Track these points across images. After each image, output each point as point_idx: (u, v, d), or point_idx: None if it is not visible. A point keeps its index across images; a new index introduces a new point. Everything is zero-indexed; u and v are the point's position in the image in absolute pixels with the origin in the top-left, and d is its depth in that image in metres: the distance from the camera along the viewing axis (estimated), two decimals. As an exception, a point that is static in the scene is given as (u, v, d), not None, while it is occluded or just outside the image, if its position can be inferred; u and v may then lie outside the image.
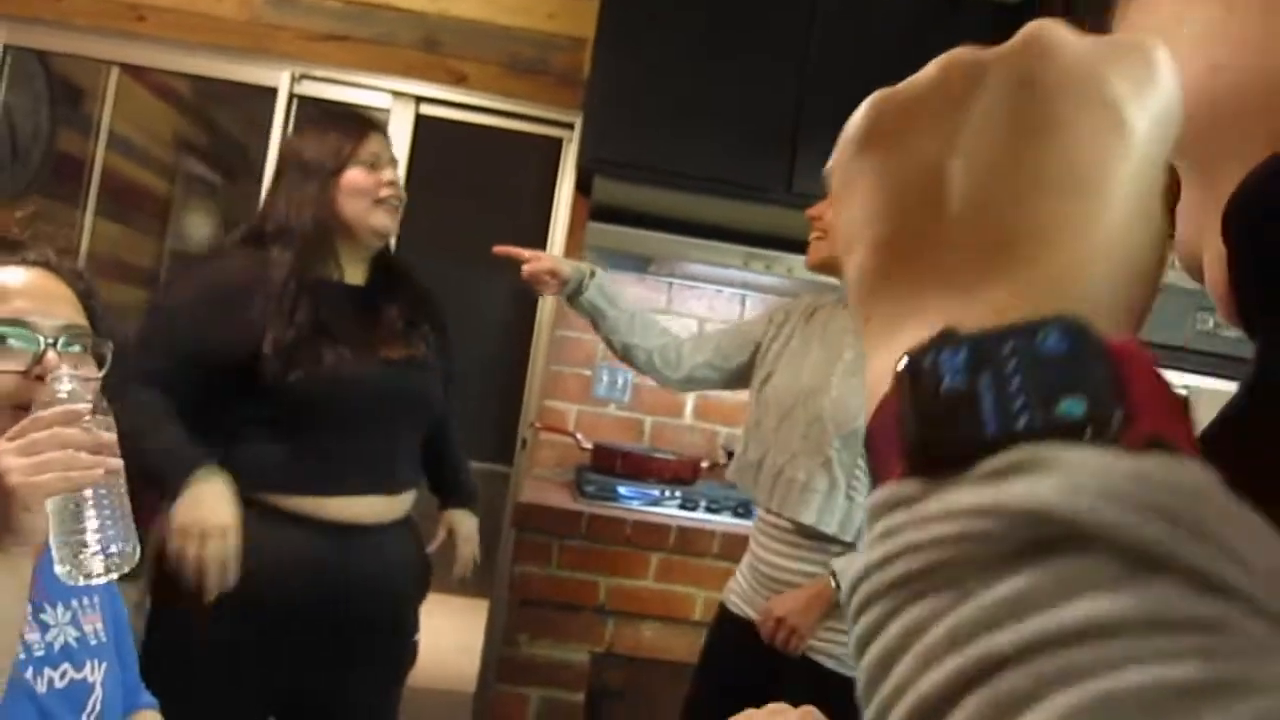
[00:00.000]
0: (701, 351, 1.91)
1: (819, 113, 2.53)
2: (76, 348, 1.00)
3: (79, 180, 3.36)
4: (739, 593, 1.73)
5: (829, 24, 2.55)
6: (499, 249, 1.89)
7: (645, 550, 2.27)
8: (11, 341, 0.95)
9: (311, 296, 1.58)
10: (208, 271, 1.71)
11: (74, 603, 1.04)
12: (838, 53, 2.55)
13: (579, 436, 2.65)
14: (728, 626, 1.73)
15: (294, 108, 2.91)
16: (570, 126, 2.87)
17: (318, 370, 1.54)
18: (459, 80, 2.89)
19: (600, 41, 2.54)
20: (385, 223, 1.71)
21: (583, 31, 2.80)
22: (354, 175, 1.67)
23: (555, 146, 2.98)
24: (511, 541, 2.40)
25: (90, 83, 3.37)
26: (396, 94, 2.91)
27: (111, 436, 0.92)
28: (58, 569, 0.87)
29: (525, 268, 1.86)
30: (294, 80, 2.89)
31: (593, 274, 1.87)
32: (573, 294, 1.87)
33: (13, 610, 0.87)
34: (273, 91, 2.89)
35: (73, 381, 0.93)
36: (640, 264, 2.71)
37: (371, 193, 1.68)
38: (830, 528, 1.57)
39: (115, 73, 3.32)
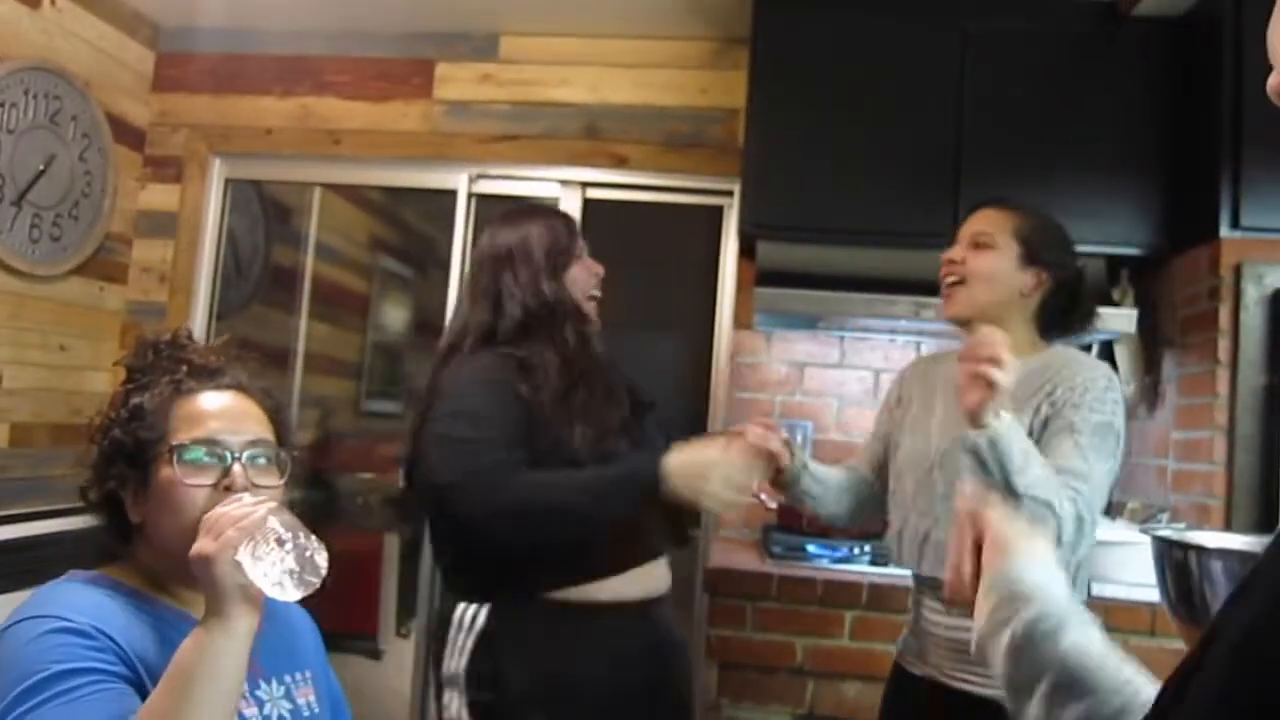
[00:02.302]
0: (868, 471, 1.86)
1: (980, 150, 2.50)
2: (261, 460, 1.13)
3: (292, 288, 3.73)
4: (913, 650, 1.70)
5: (982, 59, 2.53)
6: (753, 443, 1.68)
7: (839, 609, 2.26)
8: (203, 459, 1.09)
9: (585, 358, 1.64)
10: (478, 369, 1.63)
11: (287, 678, 1.17)
12: (994, 87, 2.52)
13: (763, 496, 2.68)
14: (905, 684, 1.70)
15: (472, 203, 3.15)
16: (730, 193, 2.95)
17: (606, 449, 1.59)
18: (620, 162, 3.04)
19: (752, 110, 2.61)
20: (594, 317, 1.77)
21: (735, 102, 2.90)
22: (578, 271, 1.74)
23: (716, 214, 3.07)
24: (705, 605, 2.45)
25: (297, 201, 3.74)
26: (564, 182, 3.10)
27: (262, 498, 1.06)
28: (271, 594, 1.00)
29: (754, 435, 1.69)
30: (471, 180, 3.14)
31: (806, 466, 1.78)
32: (787, 485, 1.78)
33: (234, 673, 0.99)
34: (453, 192, 3.15)
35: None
36: (810, 321, 2.74)
37: (587, 287, 1.76)
38: None
39: (318, 190, 3.69)
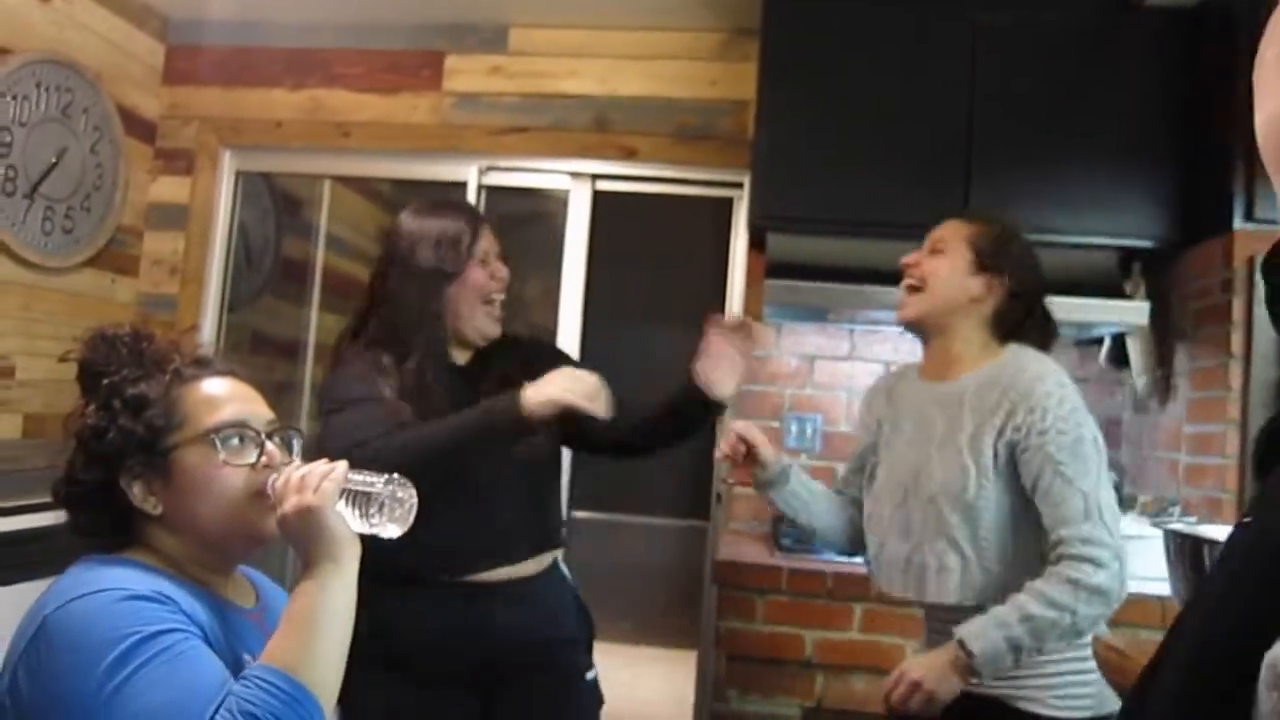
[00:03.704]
0: (855, 504, 1.82)
1: (990, 141, 2.49)
2: (276, 438, 1.15)
3: (303, 280, 3.74)
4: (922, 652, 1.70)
5: (992, 51, 2.52)
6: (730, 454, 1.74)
7: (848, 602, 2.27)
8: (240, 440, 1.11)
9: (417, 391, 1.64)
10: (335, 381, 1.72)
11: None
12: (1004, 79, 2.51)
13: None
14: None
15: (482, 196, 3.15)
16: (739, 185, 2.95)
17: None
18: (630, 155, 3.04)
19: (762, 101, 2.60)
20: (491, 328, 1.76)
21: (744, 94, 2.89)
22: (472, 275, 1.71)
23: (726, 206, 3.07)
24: (714, 597, 2.45)
25: (308, 194, 3.75)
26: (573, 174, 3.10)
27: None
28: (380, 534, 1.07)
29: (725, 446, 1.73)
30: (481, 172, 3.14)
31: (791, 470, 1.78)
32: (771, 482, 1.76)
33: (351, 611, 1.04)
34: (463, 184, 3.15)
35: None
36: (819, 314, 2.73)
37: (485, 291, 1.73)
38: (970, 601, 1.54)
39: (328, 183, 3.69)
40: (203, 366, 1.16)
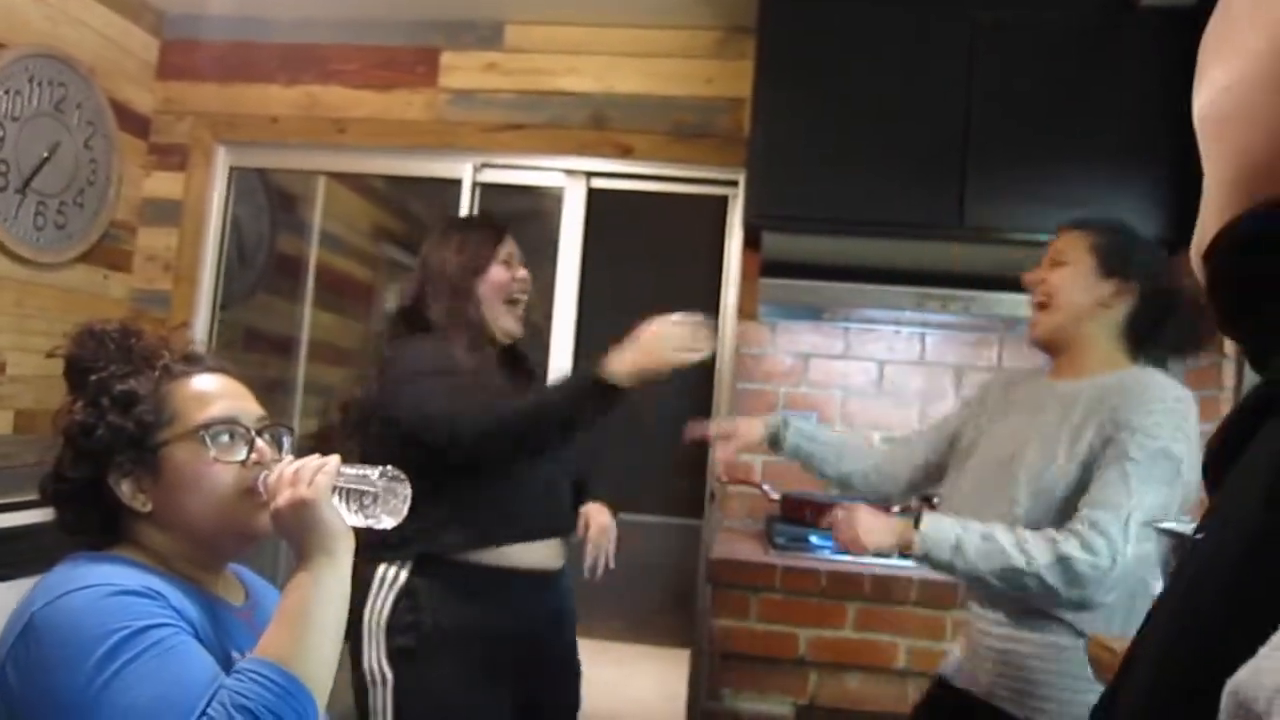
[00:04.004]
0: (915, 457, 1.86)
1: (988, 140, 2.49)
2: (267, 435, 1.15)
3: (297, 276, 3.73)
4: (954, 663, 1.71)
5: (990, 49, 2.51)
6: (692, 437, 1.92)
7: (842, 600, 2.26)
8: (231, 437, 1.10)
9: (486, 372, 1.76)
10: (404, 354, 1.78)
11: None
12: (1002, 77, 2.50)
13: (766, 487, 2.68)
14: (940, 690, 1.71)
15: (477, 193, 3.14)
16: (735, 183, 2.94)
17: None
18: (626, 152, 3.03)
19: (758, 100, 2.60)
20: (513, 326, 1.88)
21: (741, 91, 2.88)
22: (494, 273, 1.84)
23: (722, 204, 3.06)
24: (708, 595, 2.45)
25: (302, 190, 3.74)
26: (569, 172, 3.09)
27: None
28: (376, 526, 1.07)
29: (722, 465, 1.88)
30: (476, 169, 3.13)
31: (785, 422, 1.91)
32: (773, 443, 1.91)
33: (344, 604, 1.04)
34: (458, 181, 3.14)
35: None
36: (814, 312, 2.73)
37: (507, 289, 1.85)
38: None
39: (323, 179, 3.68)
40: (192, 363, 1.15)
